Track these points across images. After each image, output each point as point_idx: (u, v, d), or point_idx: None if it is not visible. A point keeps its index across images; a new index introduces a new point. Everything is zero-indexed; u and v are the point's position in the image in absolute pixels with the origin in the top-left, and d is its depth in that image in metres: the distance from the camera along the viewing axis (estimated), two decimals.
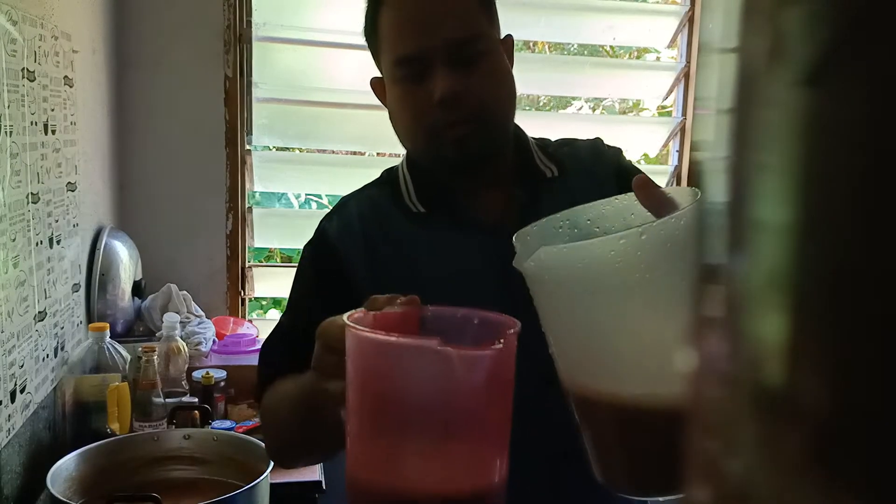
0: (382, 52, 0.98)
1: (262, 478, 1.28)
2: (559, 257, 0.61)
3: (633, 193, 0.71)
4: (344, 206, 1.06)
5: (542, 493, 0.91)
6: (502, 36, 1.02)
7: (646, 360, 0.60)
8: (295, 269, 1.14)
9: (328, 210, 1.09)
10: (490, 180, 1.00)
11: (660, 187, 0.72)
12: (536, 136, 1.11)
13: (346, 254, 0.99)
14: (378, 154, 3.35)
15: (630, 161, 1.13)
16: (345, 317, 0.63)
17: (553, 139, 1.12)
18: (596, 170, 1.04)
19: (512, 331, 0.61)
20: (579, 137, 1.12)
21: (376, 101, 1.15)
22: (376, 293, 0.77)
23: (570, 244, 0.64)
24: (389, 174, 1.08)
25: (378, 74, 1.06)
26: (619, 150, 1.11)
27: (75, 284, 1.77)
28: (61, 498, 1.21)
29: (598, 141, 1.10)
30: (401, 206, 1.01)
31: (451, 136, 0.94)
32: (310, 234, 1.09)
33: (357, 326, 0.61)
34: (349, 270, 0.98)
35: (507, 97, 0.99)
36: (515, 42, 1.07)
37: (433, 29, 0.92)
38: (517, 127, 1.06)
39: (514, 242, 0.69)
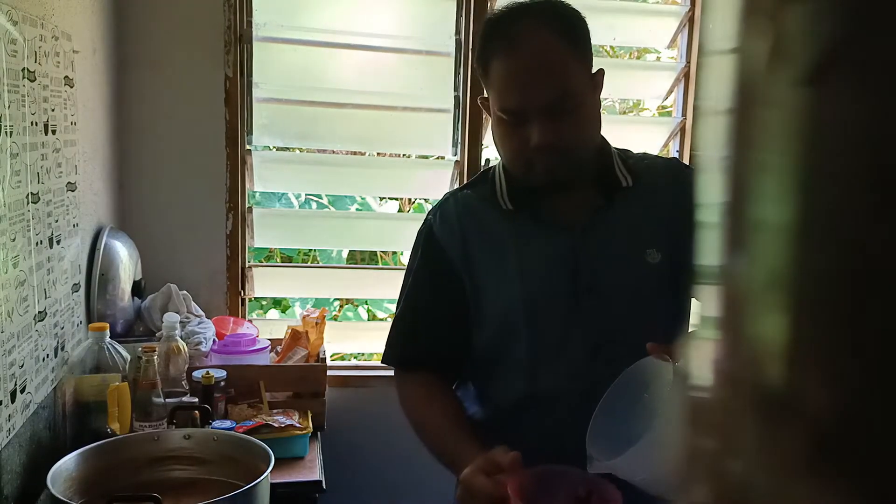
0: (490, 91, 1.16)
1: (262, 478, 1.28)
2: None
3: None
4: (444, 203, 1.27)
5: (582, 443, 1.01)
6: (595, 69, 1.19)
7: None
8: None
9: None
10: (572, 185, 1.17)
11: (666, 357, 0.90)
12: (620, 147, 1.27)
13: (447, 245, 1.21)
14: (378, 154, 3.35)
15: None
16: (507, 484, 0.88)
17: (635, 151, 1.28)
18: (670, 187, 1.19)
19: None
20: (657, 155, 1.31)
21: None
22: (470, 275, 1.15)
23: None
24: (485, 175, 1.27)
25: (484, 94, 1.22)
26: (693, 172, 1.23)
27: (75, 284, 1.77)
28: (61, 498, 1.21)
29: (675, 160, 1.28)
30: (494, 203, 1.21)
31: (543, 169, 1.13)
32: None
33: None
34: (450, 260, 1.20)
35: (592, 137, 1.17)
36: None
37: (534, 90, 1.09)
38: (602, 137, 1.23)
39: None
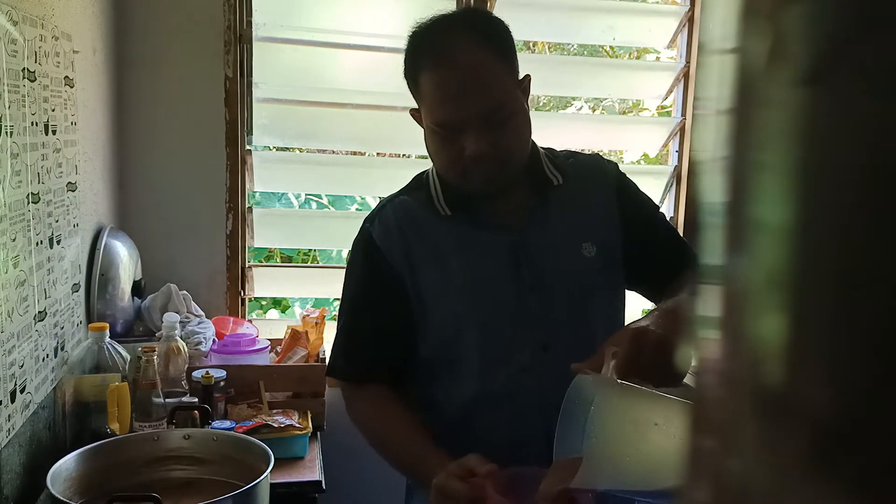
0: (421, 104, 1.16)
1: (262, 478, 1.28)
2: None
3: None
4: (382, 210, 1.25)
5: (538, 440, 1.07)
6: (521, 76, 1.18)
7: None
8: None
9: (369, 212, 1.28)
10: (506, 189, 1.18)
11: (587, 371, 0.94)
12: (545, 146, 1.27)
13: (388, 252, 1.20)
14: (378, 154, 3.35)
15: (631, 183, 1.29)
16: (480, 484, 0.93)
17: (558, 150, 1.29)
18: (597, 182, 1.24)
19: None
20: (580, 151, 1.32)
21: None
22: (414, 282, 1.16)
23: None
24: (419, 181, 1.27)
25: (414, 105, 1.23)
26: (616, 165, 1.29)
27: (75, 284, 1.77)
28: (61, 498, 1.21)
29: (598, 156, 1.32)
30: (432, 208, 1.21)
31: (478, 178, 1.13)
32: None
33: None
34: (391, 267, 1.19)
35: (525, 144, 1.18)
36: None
37: (466, 102, 1.09)
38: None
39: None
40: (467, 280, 1.17)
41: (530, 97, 1.20)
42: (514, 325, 1.17)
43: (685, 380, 0.96)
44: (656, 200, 2.49)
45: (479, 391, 1.17)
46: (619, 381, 0.93)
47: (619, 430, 0.90)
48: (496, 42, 1.14)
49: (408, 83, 1.17)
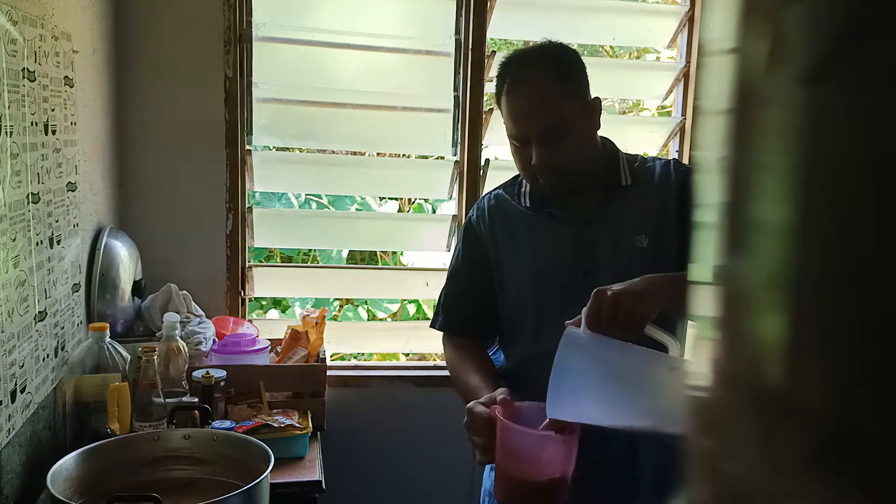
0: (504, 120, 1.42)
1: (262, 478, 1.28)
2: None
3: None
4: (482, 200, 1.57)
5: None
6: (592, 97, 1.44)
7: None
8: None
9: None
10: (578, 190, 1.42)
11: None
12: (631, 153, 1.51)
13: (481, 233, 1.50)
14: (378, 154, 3.35)
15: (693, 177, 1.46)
16: (490, 408, 1.20)
17: (646, 157, 1.51)
18: (663, 183, 1.43)
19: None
20: (662, 158, 1.54)
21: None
22: (496, 258, 1.47)
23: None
24: (515, 179, 1.54)
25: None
26: (688, 168, 1.46)
27: (75, 284, 1.77)
28: (61, 498, 1.21)
29: (674, 160, 1.49)
30: (517, 201, 1.49)
31: (544, 183, 1.40)
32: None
33: (509, 423, 1.16)
34: (483, 247, 1.49)
35: (584, 156, 1.41)
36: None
37: (531, 121, 1.36)
38: (612, 144, 1.49)
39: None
40: (534, 261, 1.44)
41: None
42: (563, 300, 1.36)
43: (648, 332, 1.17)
44: None
45: (531, 352, 1.42)
46: (586, 330, 1.16)
47: (576, 371, 1.13)
48: (561, 71, 1.39)
49: (496, 103, 1.46)
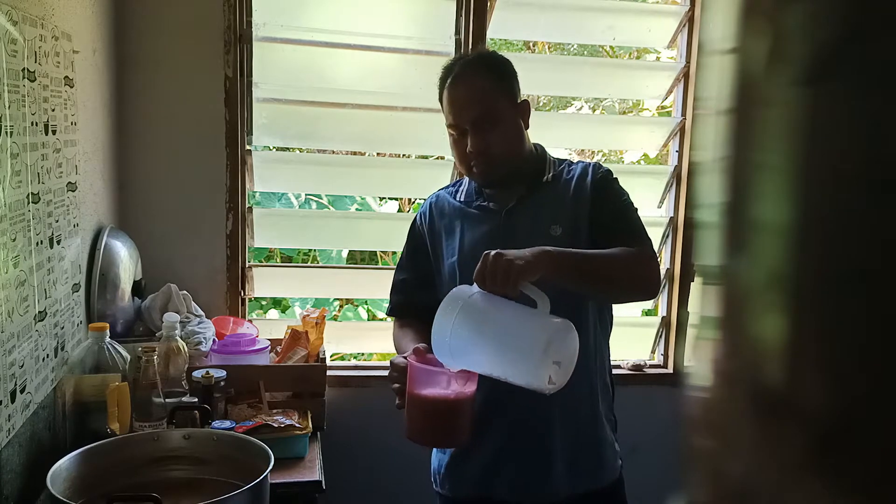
0: (444, 112, 1.60)
1: (261, 478, 1.28)
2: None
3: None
4: (426, 201, 1.76)
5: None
6: (521, 99, 1.60)
7: None
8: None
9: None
10: (507, 183, 1.60)
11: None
12: (560, 158, 1.69)
13: (422, 230, 1.71)
14: (378, 154, 3.35)
15: (612, 184, 1.60)
16: (406, 357, 1.41)
17: (574, 160, 1.68)
18: (580, 179, 1.59)
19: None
20: (588, 161, 1.68)
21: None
22: (433, 248, 1.67)
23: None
24: (458, 180, 1.75)
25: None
26: (606, 169, 1.61)
27: (75, 284, 1.77)
28: (61, 498, 1.21)
29: (593, 164, 1.64)
30: (454, 199, 1.69)
31: (478, 172, 1.58)
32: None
33: (414, 362, 1.37)
34: (424, 241, 1.69)
35: (512, 147, 1.58)
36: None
37: (463, 110, 1.55)
38: (543, 150, 1.67)
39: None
40: (462, 247, 1.61)
41: (531, 97, 1.48)
42: None
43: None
44: (656, 200, 2.50)
45: None
46: (473, 286, 1.34)
47: (457, 322, 1.31)
48: (493, 72, 1.59)
49: (439, 100, 1.62)
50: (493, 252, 1.32)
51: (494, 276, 1.30)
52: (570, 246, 1.48)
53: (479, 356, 1.33)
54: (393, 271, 1.78)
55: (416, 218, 1.76)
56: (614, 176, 1.61)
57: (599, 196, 1.57)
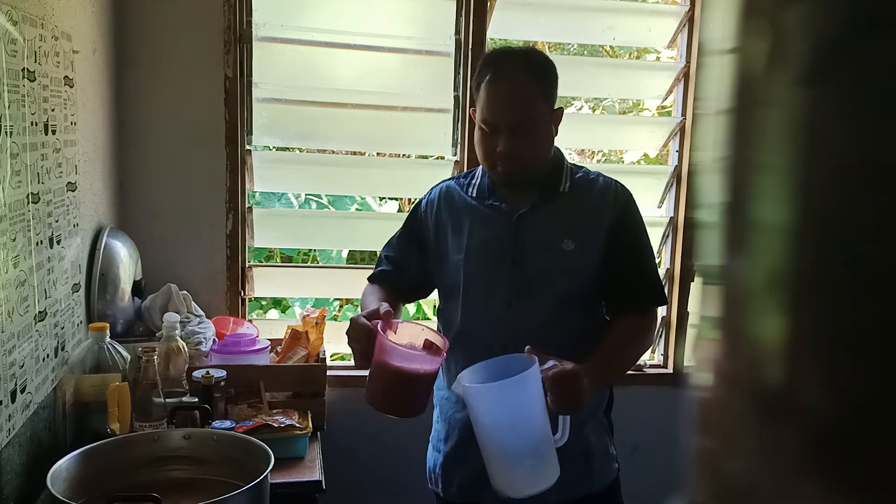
0: (478, 106, 1.55)
1: (261, 478, 1.28)
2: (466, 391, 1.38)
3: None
4: (434, 187, 1.72)
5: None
6: (556, 106, 1.58)
7: None
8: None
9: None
10: (523, 187, 1.57)
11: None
12: (579, 165, 1.66)
13: (426, 218, 1.67)
14: (378, 154, 3.35)
15: (633, 218, 1.59)
16: (369, 323, 1.39)
17: (591, 170, 1.64)
18: (600, 198, 1.58)
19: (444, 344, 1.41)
20: (606, 176, 1.65)
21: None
22: (437, 241, 1.64)
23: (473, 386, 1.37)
24: (471, 172, 1.70)
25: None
26: (630, 195, 1.59)
27: (75, 284, 1.77)
28: (61, 498, 1.21)
29: (616, 183, 1.61)
30: (465, 193, 1.64)
31: (503, 172, 1.54)
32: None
33: (382, 334, 1.35)
34: (426, 228, 1.66)
35: (542, 154, 1.56)
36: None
37: (504, 111, 1.49)
38: (560, 153, 1.63)
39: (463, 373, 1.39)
40: (469, 245, 1.58)
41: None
42: (488, 282, 1.57)
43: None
44: (656, 200, 2.50)
45: (460, 329, 1.59)
46: (536, 372, 1.32)
47: (502, 386, 1.32)
48: (539, 74, 1.53)
49: (473, 89, 1.58)
50: (582, 377, 1.34)
51: (564, 398, 1.33)
52: (580, 262, 1.52)
53: (483, 425, 1.36)
54: None
55: (420, 202, 1.71)
56: (636, 205, 1.59)
57: (621, 223, 1.55)
